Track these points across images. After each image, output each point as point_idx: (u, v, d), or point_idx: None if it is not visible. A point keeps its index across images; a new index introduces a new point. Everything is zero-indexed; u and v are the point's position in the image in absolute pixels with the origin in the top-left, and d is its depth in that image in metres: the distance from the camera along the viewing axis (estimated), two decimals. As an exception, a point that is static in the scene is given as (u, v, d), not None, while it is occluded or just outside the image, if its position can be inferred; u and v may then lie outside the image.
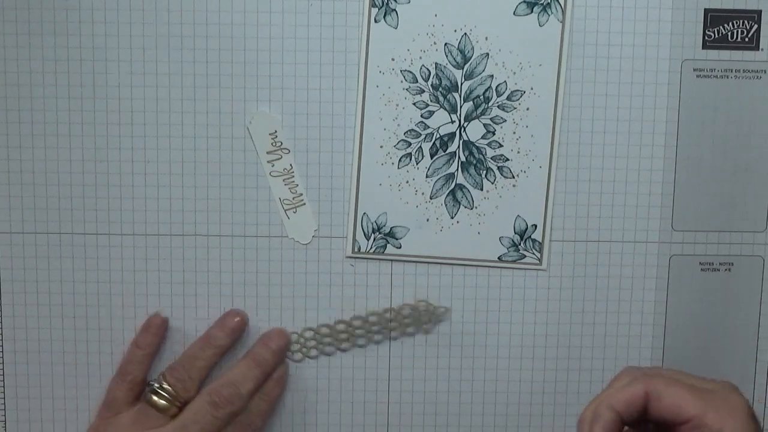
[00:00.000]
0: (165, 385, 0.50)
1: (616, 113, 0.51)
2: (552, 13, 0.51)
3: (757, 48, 0.51)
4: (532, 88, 0.51)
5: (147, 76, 0.51)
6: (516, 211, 0.52)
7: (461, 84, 0.51)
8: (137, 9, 0.51)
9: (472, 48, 0.51)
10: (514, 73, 0.51)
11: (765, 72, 0.51)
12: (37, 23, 0.51)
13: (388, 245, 0.52)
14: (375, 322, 0.52)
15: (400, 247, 0.52)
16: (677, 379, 0.44)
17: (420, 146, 0.51)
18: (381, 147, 0.51)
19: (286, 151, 0.52)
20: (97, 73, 0.51)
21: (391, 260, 0.52)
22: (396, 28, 0.51)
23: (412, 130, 0.51)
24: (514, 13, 0.51)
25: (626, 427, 0.44)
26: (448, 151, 0.52)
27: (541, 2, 0.50)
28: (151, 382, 0.50)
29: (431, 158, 0.52)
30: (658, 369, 0.48)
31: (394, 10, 0.50)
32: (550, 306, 0.53)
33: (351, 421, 0.53)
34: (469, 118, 0.51)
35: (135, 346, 0.51)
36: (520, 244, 0.52)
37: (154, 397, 0.50)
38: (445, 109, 0.51)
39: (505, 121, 0.51)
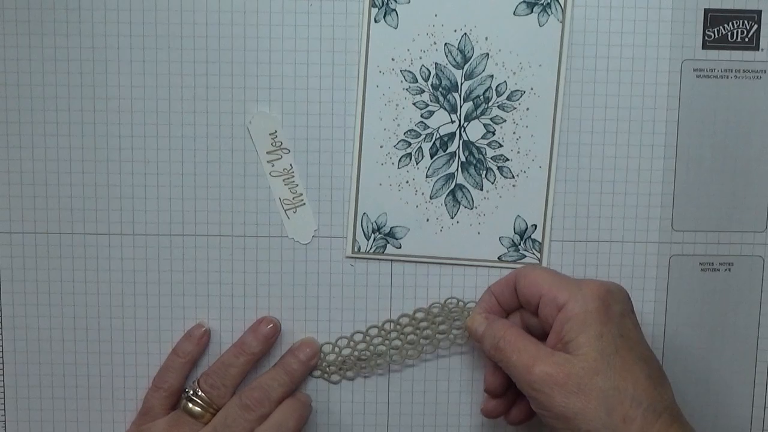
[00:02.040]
0: (200, 392, 0.50)
1: (616, 113, 0.51)
2: (552, 13, 0.51)
3: (757, 48, 0.51)
4: (532, 88, 0.51)
5: (147, 76, 0.51)
6: (516, 211, 0.52)
7: (461, 84, 0.51)
8: (137, 9, 0.51)
9: (472, 48, 0.51)
10: (514, 73, 0.51)
11: (765, 72, 0.51)
12: (37, 23, 0.51)
13: (388, 245, 0.52)
14: (406, 324, 0.52)
15: (400, 247, 0.52)
16: (546, 268, 0.51)
17: (420, 146, 0.51)
18: (381, 147, 0.51)
19: (286, 151, 0.52)
20: (97, 73, 0.51)
21: (391, 260, 0.52)
22: (396, 28, 0.51)
23: (412, 130, 0.51)
24: (514, 13, 0.51)
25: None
26: (448, 151, 0.52)
27: (541, 2, 0.50)
28: (186, 390, 0.50)
29: (431, 158, 0.52)
30: None
31: (394, 10, 0.50)
32: (550, 306, 0.53)
33: (351, 421, 0.53)
34: (469, 118, 0.51)
35: (174, 353, 0.52)
36: (520, 244, 0.52)
37: (189, 404, 0.50)
38: (445, 109, 0.51)
39: (505, 121, 0.51)
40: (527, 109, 0.51)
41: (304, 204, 0.52)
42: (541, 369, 0.44)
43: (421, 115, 0.51)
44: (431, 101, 0.51)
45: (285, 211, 0.52)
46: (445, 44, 0.51)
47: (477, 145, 0.51)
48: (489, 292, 0.51)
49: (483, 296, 0.51)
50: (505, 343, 0.46)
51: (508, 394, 0.50)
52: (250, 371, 0.52)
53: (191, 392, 0.50)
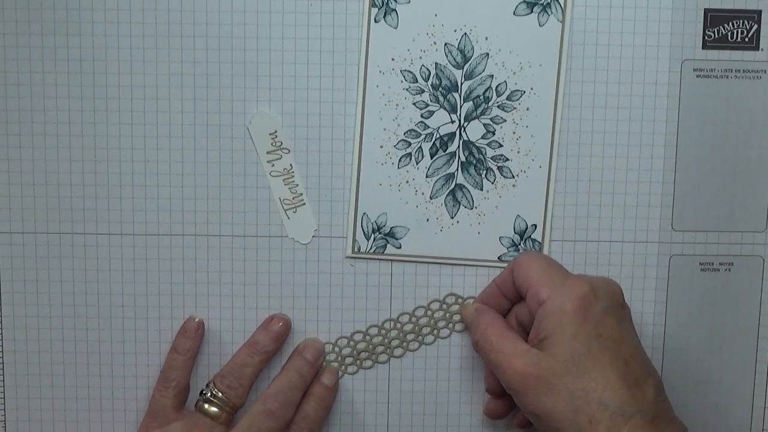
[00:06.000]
0: (218, 393, 0.50)
1: (616, 113, 0.51)
2: (552, 13, 0.51)
3: (757, 48, 0.51)
4: (532, 88, 0.51)
5: (147, 76, 0.51)
6: (516, 211, 0.52)
7: (461, 84, 0.51)
8: (137, 9, 0.51)
9: (472, 48, 0.51)
10: (514, 73, 0.51)
11: (765, 72, 0.51)
12: (37, 23, 0.51)
13: (388, 245, 0.52)
14: (406, 321, 0.52)
15: (400, 247, 0.52)
16: (544, 256, 0.50)
17: (420, 146, 0.51)
18: (381, 147, 0.51)
19: (286, 151, 0.52)
20: (97, 73, 0.51)
21: (391, 260, 0.52)
22: (396, 28, 0.51)
23: (412, 130, 0.51)
24: (514, 13, 0.51)
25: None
26: (448, 151, 0.52)
27: (541, 2, 0.50)
28: (203, 392, 0.50)
29: (431, 158, 0.52)
30: None
31: (394, 10, 0.50)
32: (550, 306, 0.53)
33: (351, 421, 0.53)
34: (469, 118, 0.51)
35: (174, 351, 0.52)
36: (520, 244, 0.52)
37: (206, 405, 0.50)
38: (445, 109, 0.51)
39: (505, 121, 0.51)
40: (527, 109, 0.51)
41: (304, 204, 0.52)
42: (514, 369, 0.45)
43: (421, 115, 0.51)
44: (431, 101, 0.51)
45: (285, 211, 0.52)
46: (445, 44, 0.51)
47: (477, 145, 0.51)
48: (493, 283, 0.51)
49: (486, 287, 0.52)
50: (484, 341, 0.47)
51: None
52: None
53: (208, 394, 0.50)
